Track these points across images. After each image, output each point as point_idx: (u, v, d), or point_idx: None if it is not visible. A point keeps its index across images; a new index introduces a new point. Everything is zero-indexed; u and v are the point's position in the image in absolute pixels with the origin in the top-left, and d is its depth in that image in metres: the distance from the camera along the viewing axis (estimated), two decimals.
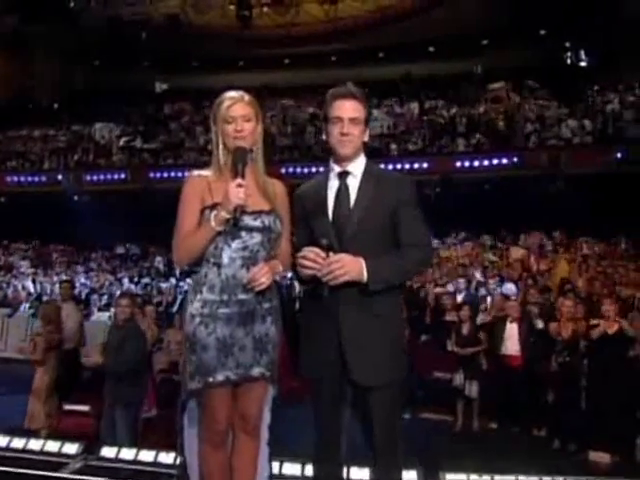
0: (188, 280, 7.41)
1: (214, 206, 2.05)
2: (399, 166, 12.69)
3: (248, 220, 2.08)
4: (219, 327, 2.06)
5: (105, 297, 9.05)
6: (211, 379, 2.05)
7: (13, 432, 3.51)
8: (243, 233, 2.07)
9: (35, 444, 3.25)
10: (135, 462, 3.14)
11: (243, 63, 18.99)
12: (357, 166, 2.18)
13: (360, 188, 2.13)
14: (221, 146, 2.13)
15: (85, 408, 4.10)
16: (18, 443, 3.29)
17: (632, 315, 5.38)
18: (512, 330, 5.06)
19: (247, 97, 2.15)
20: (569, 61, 18.51)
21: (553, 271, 7.64)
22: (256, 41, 18.71)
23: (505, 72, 16.64)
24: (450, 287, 8.24)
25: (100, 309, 7.44)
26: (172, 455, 3.02)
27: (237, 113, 2.10)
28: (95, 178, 16.75)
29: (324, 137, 2.20)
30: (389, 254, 2.06)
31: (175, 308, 7.50)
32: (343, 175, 2.17)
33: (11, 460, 3.09)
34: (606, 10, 15.25)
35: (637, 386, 4.57)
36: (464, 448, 4.52)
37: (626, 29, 14.90)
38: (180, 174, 15.41)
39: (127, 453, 3.17)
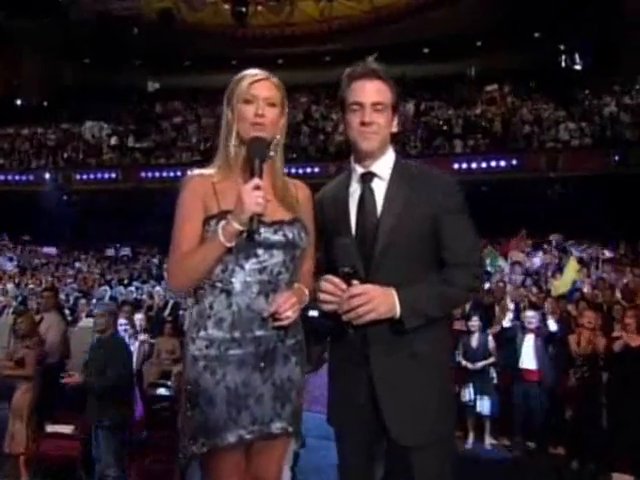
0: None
1: (222, 215, 1.56)
2: None
3: (267, 233, 1.58)
4: (229, 373, 1.58)
5: (94, 301, 8.77)
6: (219, 442, 1.56)
7: None
8: (260, 250, 1.58)
9: None
10: None
11: (236, 62, 18.75)
12: (384, 165, 1.68)
13: (388, 192, 1.64)
14: (234, 134, 1.62)
15: (68, 430, 3.77)
16: None
17: None
18: (530, 342, 4.82)
19: (274, 78, 1.65)
20: (564, 64, 18.51)
21: (560, 276, 7.42)
22: (250, 40, 18.53)
23: (499, 74, 16.62)
24: None
25: (88, 315, 7.15)
26: None
27: (261, 93, 1.60)
28: (85, 177, 16.47)
29: (342, 130, 1.77)
30: (428, 279, 1.61)
31: (167, 312, 7.26)
32: (366, 177, 1.67)
33: None
34: (601, 13, 15.24)
35: None
36: (475, 467, 4.30)
37: (621, 32, 14.91)
38: (172, 174, 15.18)
39: None
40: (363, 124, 1.61)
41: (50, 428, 3.78)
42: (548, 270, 9.27)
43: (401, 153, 1.78)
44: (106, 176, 16.37)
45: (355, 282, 1.54)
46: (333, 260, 1.61)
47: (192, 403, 1.59)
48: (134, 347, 4.43)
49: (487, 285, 7.02)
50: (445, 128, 14.73)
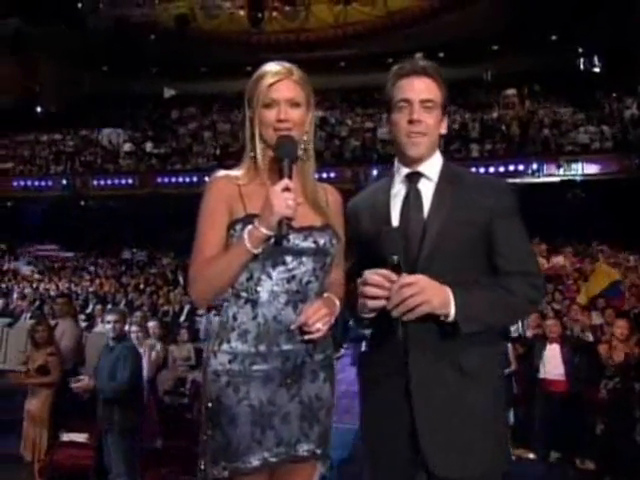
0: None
1: (248, 218, 1.44)
2: None
3: (296, 239, 1.46)
4: (254, 390, 1.45)
5: (110, 306, 8.81)
6: (242, 465, 1.44)
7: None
8: (289, 258, 1.46)
9: None
10: None
11: (251, 69, 18.72)
12: (432, 166, 1.55)
13: (437, 193, 1.51)
14: (257, 137, 1.50)
15: (82, 438, 3.75)
16: None
17: None
18: (553, 351, 4.64)
19: (297, 73, 1.52)
20: (582, 66, 18.28)
21: (589, 282, 7.15)
22: (265, 46, 18.61)
23: (516, 77, 16.46)
24: None
25: (104, 320, 7.17)
26: None
27: (281, 95, 1.48)
28: (102, 183, 16.67)
29: (385, 131, 1.57)
30: (483, 283, 1.45)
31: (182, 318, 7.26)
32: (413, 177, 1.54)
33: None
34: (618, 14, 15.02)
35: None
36: None
37: (638, 33, 14.66)
38: (188, 179, 15.29)
39: None
40: (411, 122, 1.49)
41: (65, 437, 3.76)
42: (570, 276, 9.07)
43: None
44: (123, 182, 16.54)
45: (404, 274, 1.37)
46: (373, 258, 1.44)
47: (213, 422, 1.47)
48: (146, 354, 4.39)
49: None
50: (462, 132, 14.61)
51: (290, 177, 1.43)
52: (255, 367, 1.46)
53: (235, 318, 1.49)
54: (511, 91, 15.93)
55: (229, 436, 1.45)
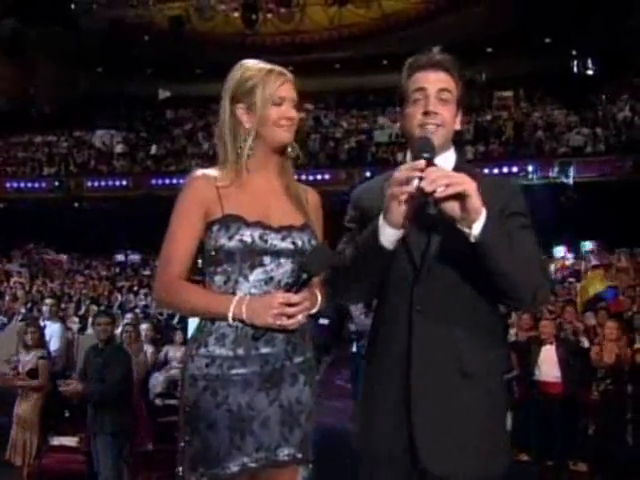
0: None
1: (225, 219, 1.44)
2: None
3: (275, 240, 1.45)
4: (232, 395, 1.42)
5: (102, 308, 8.76)
6: (221, 471, 1.40)
7: None
8: (267, 259, 1.44)
9: None
10: None
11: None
12: (446, 159, 1.49)
13: None
14: (252, 137, 1.48)
15: (72, 442, 3.70)
16: None
17: None
18: (548, 353, 4.64)
19: (290, 76, 1.54)
20: (576, 69, 18.39)
21: (583, 285, 7.14)
22: (260, 48, 18.61)
23: (511, 80, 16.54)
24: None
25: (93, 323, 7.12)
26: None
27: (289, 94, 1.49)
28: (96, 184, 16.60)
29: (398, 126, 1.47)
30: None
31: (176, 320, 7.22)
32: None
33: None
34: (613, 17, 15.12)
35: None
36: None
37: (632, 36, 14.77)
38: (182, 181, 15.15)
39: None
40: (427, 114, 1.43)
41: (55, 440, 3.71)
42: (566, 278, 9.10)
43: None
44: (117, 183, 16.48)
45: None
46: None
47: (191, 427, 1.44)
48: (138, 356, 4.35)
49: None
50: (456, 134, 14.64)
51: (297, 291, 1.41)
52: (233, 371, 1.43)
53: (213, 322, 1.46)
54: (506, 93, 16.00)
55: (207, 441, 1.42)
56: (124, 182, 16.47)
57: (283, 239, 1.46)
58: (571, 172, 12.35)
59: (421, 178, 1.25)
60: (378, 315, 1.52)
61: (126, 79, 19.78)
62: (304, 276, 1.42)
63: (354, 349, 6.07)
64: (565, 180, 12.27)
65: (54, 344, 4.68)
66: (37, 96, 20.19)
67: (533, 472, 4.52)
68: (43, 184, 16.88)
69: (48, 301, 5.50)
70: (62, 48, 17.91)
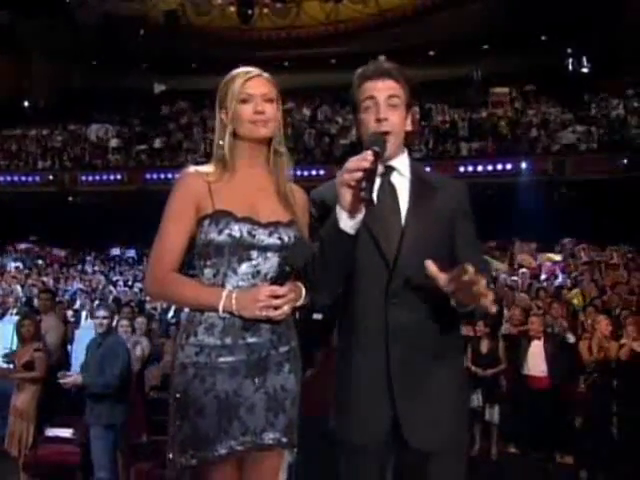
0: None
1: (216, 215, 1.51)
2: None
3: (262, 235, 1.53)
4: (220, 382, 1.50)
5: (97, 302, 8.77)
6: (209, 454, 1.49)
7: None
8: (254, 253, 1.52)
9: None
10: None
11: (242, 65, 18.77)
12: (402, 162, 1.64)
13: (412, 189, 1.59)
14: (228, 135, 1.58)
15: (68, 434, 3.73)
16: None
17: None
18: (536, 348, 4.71)
19: (266, 74, 1.63)
20: (571, 67, 18.44)
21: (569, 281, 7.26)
22: (256, 43, 18.55)
23: (506, 77, 16.56)
24: None
25: (92, 316, 7.13)
26: None
27: (256, 90, 1.57)
28: (90, 179, 16.52)
29: (355, 134, 1.70)
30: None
31: (170, 315, 7.23)
32: (386, 172, 1.60)
33: None
34: (608, 16, 15.17)
35: None
36: (481, 475, 4.19)
37: (628, 34, 14.82)
38: (177, 175, 15.17)
39: None
40: (378, 121, 1.56)
41: (50, 432, 3.74)
42: (556, 275, 9.18)
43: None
44: (111, 178, 16.41)
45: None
46: None
47: (181, 413, 1.52)
48: (133, 350, 4.38)
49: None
50: (451, 131, 14.69)
51: (282, 284, 1.50)
52: (221, 359, 1.51)
53: (202, 312, 1.54)
54: (501, 90, 16.04)
55: (197, 426, 1.50)
56: (119, 176, 16.40)
57: (270, 234, 1.54)
58: (565, 169, 12.41)
59: (370, 169, 1.39)
60: (352, 307, 1.61)
61: (121, 73, 19.68)
62: (287, 269, 1.50)
63: None
64: (559, 177, 12.32)
65: (50, 337, 4.71)
66: (31, 90, 20.05)
67: (520, 464, 4.59)
68: (37, 178, 16.78)
69: (44, 295, 5.51)
70: (56, 41, 17.78)
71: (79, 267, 13.62)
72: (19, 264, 13.36)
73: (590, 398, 4.30)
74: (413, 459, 1.57)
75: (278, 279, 1.51)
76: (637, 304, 6.34)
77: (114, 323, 4.22)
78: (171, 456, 1.54)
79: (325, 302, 1.65)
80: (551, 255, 10.84)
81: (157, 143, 17.07)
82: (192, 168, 1.62)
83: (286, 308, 1.50)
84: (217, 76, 1.73)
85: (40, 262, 14.07)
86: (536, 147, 13.34)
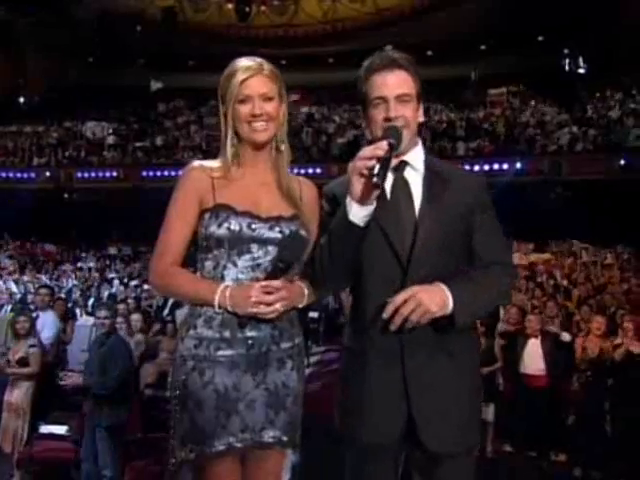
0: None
1: (216, 208, 1.51)
2: None
3: (262, 229, 1.51)
4: (219, 375, 1.48)
5: (92, 300, 8.75)
6: (207, 449, 1.47)
7: None
8: (254, 247, 1.51)
9: None
10: None
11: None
12: (416, 156, 1.56)
13: (425, 184, 1.52)
14: (230, 133, 1.56)
15: (62, 430, 3.71)
16: None
17: None
18: (533, 346, 4.72)
19: (267, 67, 1.55)
20: (567, 67, 18.50)
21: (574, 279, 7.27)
22: (253, 41, 18.53)
23: (503, 77, 16.61)
24: None
25: (87, 313, 7.10)
26: None
27: (254, 90, 1.52)
28: (86, 176, 16.46)
29: (363, 125, 1.56)
30: (470, 275, 1.50)
31: (166, 312, 7.22)
32: (400, 166, 1.53)
33: None
34: (604, 17, 15.22)
35: None
36: (476, 473, 4.19)
37: (624, 36, 14.88)
38: (173, 173, 15.15)
39: None
40: (389, 120, 1.48)
41: (44, 429, 3.72)
42: (552, 275, 9.20)
43: None
44: (107, 175, 16.36)
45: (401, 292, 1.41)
46: None
47: (181, 406, 1.51)
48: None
49: None
50: (448, 131, 14.72)
51: (276, 277, 1.47)
52: (220, 352, 1.50)
53: (202, 305, 1.53)
54: (497, 90, 16.08)
55: (195, 419, 1.48)
56: (114, 173, 16.35)
57: (271, 228, 1.53)
58: (562, 169, 12.45)
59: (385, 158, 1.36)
60: (364, 306, 1.56)
61: (118, 70, 19.60)
62: (280, 265, 1.49)
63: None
64: (555, 178, 12.36)
65: (47, 333, 4.68)
66: (27, 86, 19.96)
67: (516, 463, 4.61)
68: (33, 175, 16.71)
69: (42, 291, 5.48)
70: (53, 38, 17.70)
71: (74, 264, 13.57)
72: (14, 260, 13.30)
73: (584, 397, 4.33)
74: (424, 460, 1.53)
75: (271, 274, 1.49)
76: (632, 304, 6.38)
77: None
78: (172, 448, 1.53)
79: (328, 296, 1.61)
80: (547, 255, 10.88)
81: (154, 140, 17.03)
82: (197, 163, 1.61)
83: (278, 306, 1.47)
84: (213, 74, 1.69)
85: (35, 259, 14.01)
86: (532, 147, 13.38)
